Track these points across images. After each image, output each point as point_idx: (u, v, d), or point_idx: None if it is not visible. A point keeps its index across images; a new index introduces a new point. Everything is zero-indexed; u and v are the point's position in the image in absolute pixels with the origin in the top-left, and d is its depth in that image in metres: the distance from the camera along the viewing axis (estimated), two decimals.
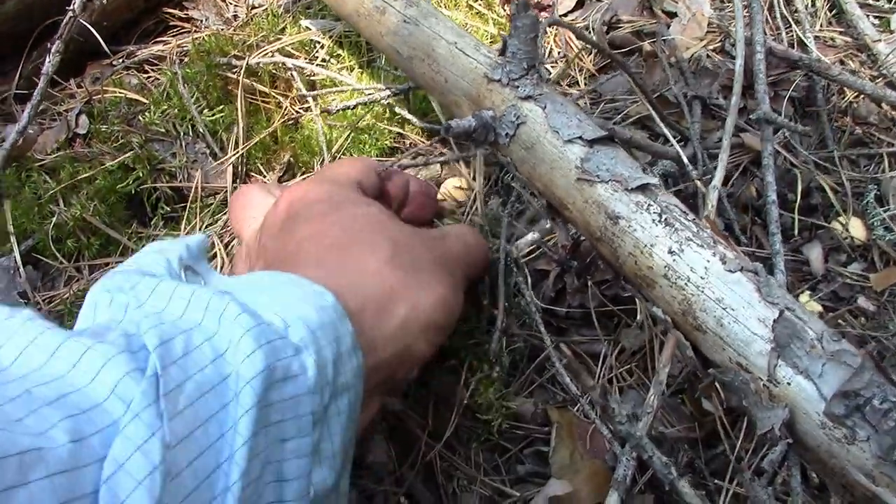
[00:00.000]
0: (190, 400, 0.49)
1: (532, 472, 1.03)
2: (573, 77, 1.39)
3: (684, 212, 0.69)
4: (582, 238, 0.97)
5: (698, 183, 1.00)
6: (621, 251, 0.70)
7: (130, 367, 0.48)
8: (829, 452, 0.58)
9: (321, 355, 0.58)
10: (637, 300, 1.05)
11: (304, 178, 1.25)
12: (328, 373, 0.58)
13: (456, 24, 0.87)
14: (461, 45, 0.82)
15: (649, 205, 0.69)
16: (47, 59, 1.14)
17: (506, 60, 0.77)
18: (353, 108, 1.26)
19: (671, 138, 1.07)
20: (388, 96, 1.25)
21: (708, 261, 0.65)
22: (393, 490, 1.02)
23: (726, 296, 0.63)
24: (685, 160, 1.01)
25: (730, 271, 0.64)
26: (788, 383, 0.60)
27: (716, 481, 0.95)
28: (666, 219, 0.68)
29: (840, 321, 1.11)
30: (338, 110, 1.25)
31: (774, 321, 0.61)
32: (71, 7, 1.12)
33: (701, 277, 0.65)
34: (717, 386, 0.66)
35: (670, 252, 0.66)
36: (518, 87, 0.76)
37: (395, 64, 1.03)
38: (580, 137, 0.72)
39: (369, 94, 1.27)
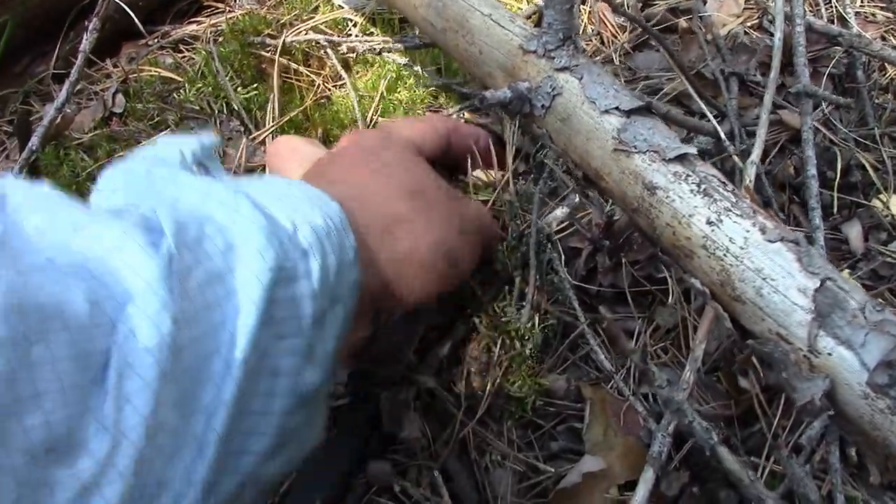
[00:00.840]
0: (198, 284, 0.51)
1: (566, 448, 1.02)
2: (608, 54, 1.38)
3: (723, 182, 0.68)
4: (615, 217, 0.97)
5: (736, 158, 0.99)
6: (659, 222, 0.69)
7: (147, 244, 0.49)
8: (872, 423, 0.57)
9: (325, 261, 0.60)
10: (669, 279, 1.04)
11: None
12: (330, 279, 0.60)
13: None
14: (496, 17, 0.82)
15: (687, 175, 0.68)
16: (84, 38, 1.15)
17: (542, 31, 0.77)
18: (381, 53, 1.29)
19: (708, 114, 1.06)
20: (411, 48, 1.28)
21: (748, 231, 0.64)
22: (427, 464, 1.02)
23: (766, 266, 0.62)
24: (722, 136, 0.99)
25: (769, 241, 0.63)
26: (830, 353, 0.59)
27: (752, 458, 0.94)
28: (704, 189, 0.67)
29: (880, 300, 1.10)
30: (368, 56, 1.28)
31: (815, 291, 0.60)
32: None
33: (740, 247, 0.64)
34: (755, 359, 0.65)
35: (709, 222, 0.66)
36: (554, 57, 0.76)
37: (429, 37, 1.02)
38: (617, 108, 0.72)
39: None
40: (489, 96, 0.74)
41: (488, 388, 1.06)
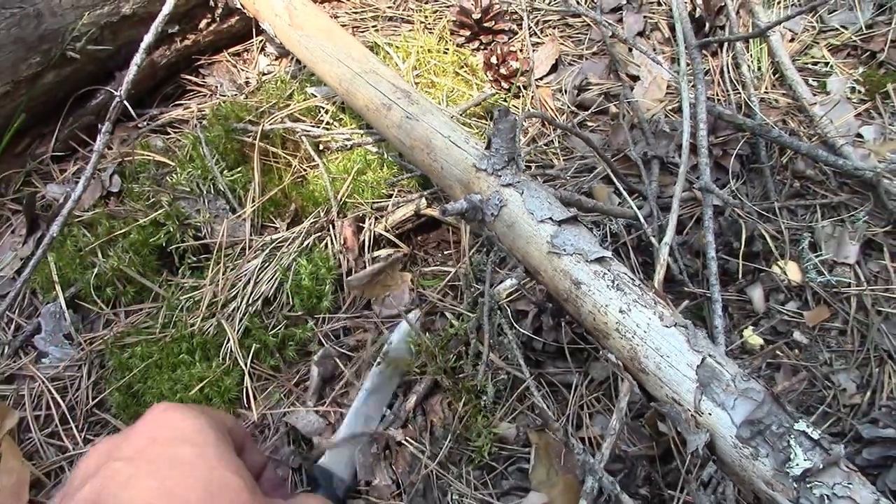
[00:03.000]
0: None
1: (515, 486, 1.21)
2: (549, 136, 1.58)
3: (632, 279, 0.88)
4: None
5: (653, 239, 1.19)
6: (583, 310, 0.88)
7: None
8: (741, 466, 0.76)
9: None
10: None
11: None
12: None
13: (448, 119, 1.05)
14: (454, 139, 1.01)
15: (604, 273, 0.87)
16: (98, 139, 1.30)
17: (490, 154, 0.96)
18: (350, 148, 1.46)
19: (629, 199, 1.26)
20: (380, 140, 1.45)
21: (650, 318, 0.84)
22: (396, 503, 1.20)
23: (663, 346, 0.82)
24: (642, 219, 1.20)
25: (666, 326, 0.83)
26: (710, 413, 0.78)
27: (669, 492, 1.13)
28: (617, 284, 0.86)
29: (777, 353, 1.30)
30: (339, 147, 1.45)
31: (698, 366, 0.79)
32: (118, 92, 1.29)
33: (644, 331, 0.83)
34: (658, 416, 0.84)
35: (621, 311, 0.85)
36: (500, 175, 0.95)
37: (399, 150, 1.20)
38: (550, 219, 0.91)
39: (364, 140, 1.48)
40: (450, 208, 0.93)
41: (449, 437, 1.24)
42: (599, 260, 0.88)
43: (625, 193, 1.25)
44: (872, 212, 1.42)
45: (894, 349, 1.26)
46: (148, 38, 1.29)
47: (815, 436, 0.75)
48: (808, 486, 0.73)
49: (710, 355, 0.80)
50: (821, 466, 0.73)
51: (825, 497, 0.72)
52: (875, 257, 1.38)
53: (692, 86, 1.47)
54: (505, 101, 1.62)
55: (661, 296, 0.86)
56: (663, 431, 1.18)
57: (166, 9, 1.31)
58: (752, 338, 1.32)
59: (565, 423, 1.23)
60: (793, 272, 1.37)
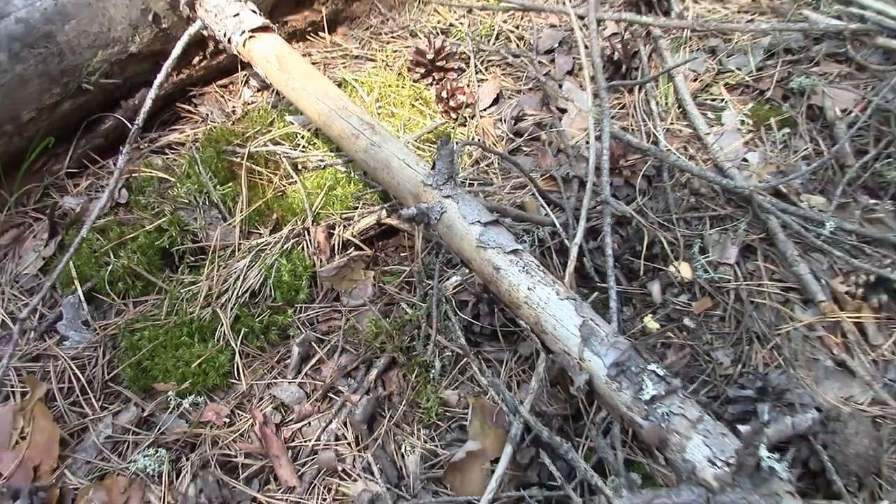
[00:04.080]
0: None
1: (456, 438, 1.50)
2: (490, 158, 1.89)
3: (538, 266, 1.18)
4: None
5: (566, 241, 1.50)
6: (502, 288, 1.19)
7: None
8: (610, 396, 1.07)
9: None
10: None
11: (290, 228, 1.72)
12: None
13: (403, 145, 1.36)
14: (408, 161, 1.31)
15: (518, 261, 1.18)
16: (119, 158, 1.57)
17: (434, 173, 1.26)
18: (323, 168, 1.76)
19: (549, 212, 1.57)
20: (349, 161, 1.75)
21: (549, 293, 1.14)
22: (360, 454, 1.49)
23: (558, 313, 1.12)
24: (557, 225, 1.51)
25: (560, 299, 1.13)
26: (589, 360, 1.09)
27: (577, 439, 1.44)
28: (527, 269, 1.17)
29: (670, 334, 1.62)
30: (313, 167, 1.75)
31: (581, 326, 1.10)
32: (135, 124, 1.57)
33: (545, 303, 1.14)
34: (555, 364, 1.15)
35: (528, 288, 1.15)
36: (442, 189, 1.25)
37: (364, 170, 1.49)
38: (479, 221, 1.22)
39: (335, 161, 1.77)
40: (404, 213, 1.23)
41: (404, 401, 1.54)
42: (514, 251, 1.19)
43: (545, 206, 1.56)
44: (751, 222, 1.74)
45: (761, 331, 1.58)
46: (160, 78, 1.58)
47: (661, 373, 1.06)
48: (654, 407, 1.04)
49: (591, 319, 1.11)
50: (663, 393, 1.04)
51: (666, 413, 1.03)
52: (751, 259, 1.70)
53: (599, 119, 1.78)
54: (453, 129, 1.93)
55: (557, 278, 1.17)
56: (574, 394, 1.48)
57: (175, 52, 1.60)
58: (651, 323, 1.63)
59: (498, 391, 1.53)
60: (685, 271, 1.69)
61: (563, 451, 1.24)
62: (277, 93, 1.97)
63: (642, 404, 1.04)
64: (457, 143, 1.30)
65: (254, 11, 1.58)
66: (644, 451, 1.37)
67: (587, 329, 1.10)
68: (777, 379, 1.45)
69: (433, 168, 1.28)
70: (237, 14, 1.55)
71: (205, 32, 1.65)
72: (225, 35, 1.57)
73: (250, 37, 1.54)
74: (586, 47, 2.02)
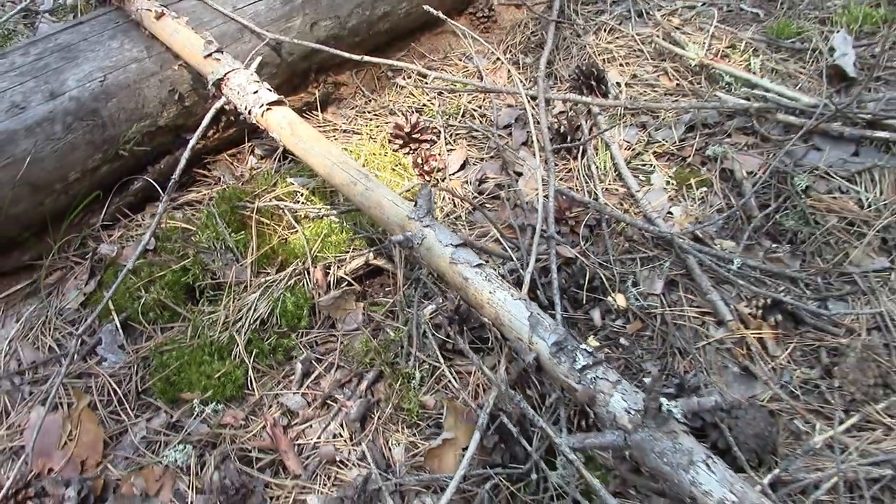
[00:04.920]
0: None
1: (433, 432, 1.83)
2: (458, 213, 2.27)
3: (498, 276, 1.55)
4: (460, 306, 1.82)
5: (521, 271, 1.86)
6: (470, 293, 1.55)
7: None
8: (552, 369, 1.42)
9: None
10: (491, 336, 1.89)
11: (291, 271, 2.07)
12: None
13: (391, 190, 1.73)
14: (395, 201, 1.68)
15: (481, 272, 1.54)
16: (160, 206, 1.92)
17: (416, 209, 1.63)
18: (322, 217, 2.11)
19: (509, 250, 1.94)
20: (341, 213, 2.11)
21: (506, 296, 1.50)
22: (354, 447, 1.81)
23: (512, 310, 1.48)
24: (515, 260, 1.87)
25: (515, 300, 1.49)
26: (536, 343, 1.44)
27: (532, 429, 1.77)
28: (489, 278, 1.53)
29: (608, 350, 1.97)
30: (314, 217, 2.10)
31: (529, 317, 1.46)
32: (164, 195, 1.93)
33: (502, 302, 1.49)
34: (513, 351, 1.50)
35: (490, 292, 1.51)
36: (422, 221, 1.62)
37: (361, 209, 1.85)
38: (451, 244, 1.58)
39: (330, 213, 2.13)
40: (394, 239, 1.59)
41: (390, 405, 1.87)
42: (479, 265, 1.55)
43: (506, 245, 1.93)
44: (673, 261, 2.12)
45: (682, 346, 1.94)
46: (195, 137, 1.96)
47: (590, 350, 1.42)
48: (585, 374, 1.39)
49: (537, 313, 1.47)
50: (591, 364, 1.39)
51: (593, 378, 1.38)
52: (674, 290, 2.07)
53: (545, 183, 2.17)
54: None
55: (513, 286, 1.53)
56: (530, 395, 1.83)
57: (206, 121, 1.98)
58: (593, 342, 1.98)
59: (467, 395, 1.87)
60: (620, 300, 2.05)
61: (531, 416, 1.58)
62: (279, 159, 2.35)
63: (576, 372, 1.40)
64: (433, 188, 1.67)
65: (269, 90, 1.96)
66: (586, 425, 1.71)
67: (534, 319, 1.46)
68: (692, 380, 1.81)
69: (416, 205, 1.65)
70: (256, 91, 1.94)
71: (227, 107, 2.02)
72: (246, 108, 1.95)
73: (267, 109, 1.91)
74: (537, 122, 2.42)
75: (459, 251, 1.58)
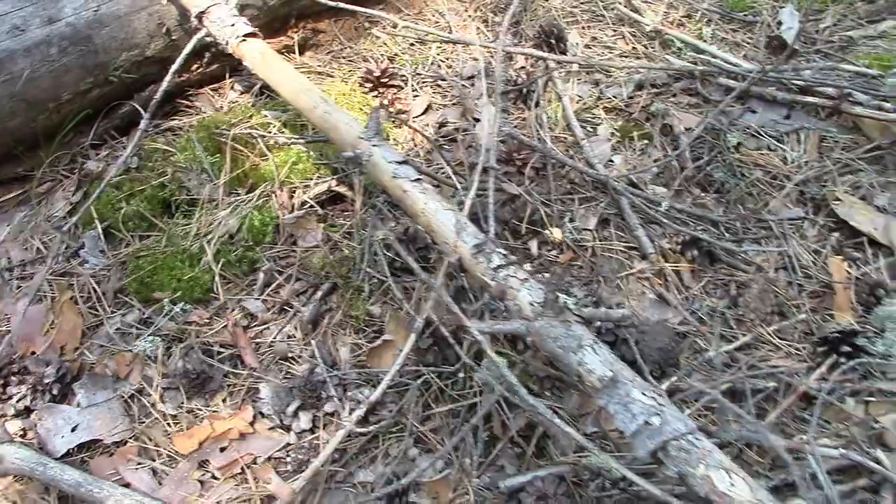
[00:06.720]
0: None
1: (377, 336, 2.04)
2: (417, 151, 2.47)
3: (434, 188, 1.76)
4: (410, 228, 2.04)
5: (463, 198, 2.07)
6: (407, 203, 1.76)
7: None
8: (472, 267, 1.64)
9: None
10: (433, 255, 2.11)
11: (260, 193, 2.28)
12: None
13: (347, 114, 1.94)
14: (350, 123, 1.89)
15: (419, 186, 1.75)
16: (134, 139, 2.13)
17: (367, 129, 1.84)
18: (290, 145, 2.32)
19: (454, 177, 2.15)
20: (308, 143, 2.32)
21: (438, 206, 1.71)
22: (305, 347, 2.03)
23: (442, 218, 1.69)
24: (458, 187, 2.09)
25: (444, 210, 1.70)
26: (459, 245, 1.66)
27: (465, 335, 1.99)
28: (424, 191, 1.74)
29: (545, 275, 2.18)
30: (283, 144, 2.31)
31: (455, 224, 1.67)
32: (146, 114, 2.13)
33: (434, 211, 1.71)
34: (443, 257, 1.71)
35: (425, 203, 1.72)
36: (371, 140, 1.83)
37: (320, 130, 2.06)
38: (395, 161, 1.79)
39: (297, 141, 2.34)
40: (344, 155, 1.80)
41: (340, 311, 2.08)
42: (416, 180, 1.76)
43: (455, 179, 2.14)
44: (609, 202, 2.33)
45: (605, 276, 2.16)
46: (174, 66, 2.16)
47: (504, 253, 1.63)
48: (498, 272, 1.60)
49: (463, 221, 1.68)
50: (505, 263, 1.61)
51: (505, 276, 1.60)
52: (606, 227, 2.29)
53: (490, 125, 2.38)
54: (390, 128, 2.52)
55: (449, 201, 1.74)
56: (465, 308, 2.04)
57: (186, 50, 2.18)
58: (528, 268, 2.20)
59: (409, 306, 2.09)
60: (556, 234, 2.26)
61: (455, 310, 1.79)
62: (256, 94, 2.56)
63: (491, 271, 1.61)
64: (382, 112, 1.89)
65: (246, 23, 2.17)
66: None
67: (459, 226, 1.67)
68: (610, 299, 2.03)
69: (366, 127, 1.86)
70: (233, 24, 2.14)
71: (208, 39, 2.23)
72: (224, 40, 2.15)
73: (242, 40, 2.12)
74: (492, 72, 2.63)
75: (401, 168, 1.79)
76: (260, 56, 2.08)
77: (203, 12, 2.19)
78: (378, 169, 1.81)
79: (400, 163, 1.79)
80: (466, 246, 1.65)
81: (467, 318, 1.62)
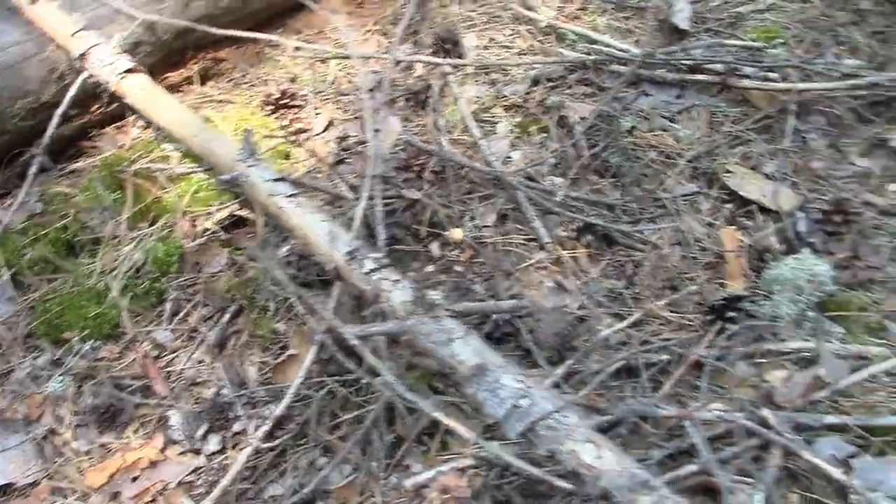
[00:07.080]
0: None
1: (282, 352, 2.08)
2: (320, 168, 2.51)
3: (308, 202, 1.80)
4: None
5: (356, 209, 2.12)
6: (283, 220, 1.80)
7: None
8: (348, 274, 1.68)
9: None
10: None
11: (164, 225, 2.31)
12: None
13: (224, 138, 1.98)
14: (228, 148, 1.94)
15: (294, 201, 1.80)
16: (26, 183, 2.17)
17: (242, 152, 1.88)
18: (190, 174, 2.36)
19: (351, 195, 2.20)
20: (206, 170, 2.36)
21: (313, 215, 1.76)
22: (213, 371, 2.06)
23: (316, 227, 1.74)
24: (349, 195, 2.13)
25: (321, 221, 1.75)
26: (334, 253, 1.70)
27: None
28: (299, 205, 1.79)
29: (443, 276, 2.22)
30: (182, 174, 2.35)
31: (328, 234, 1.71)
32: (35, 159, 2.16)
33: (311, 224, 1.75)
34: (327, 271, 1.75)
35: (300, 217, 1.77)
36: (247, 162, 1.87)
37: (202, 158, 2.10)
38: (271, 179, 1.83)
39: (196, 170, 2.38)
40: (223, 178, 1.85)
41: (246, 332, 2.12)
42: (292, 195, 1.81)
43: (350, 193, 2.19)
44: (507, 198, 2.38)
45: (505, 270, 2.20)
46: (59, 111, 2.19)
47: (377, 257, 1.67)
48: (371, 276, 1.65)
49: (337, 231, 1.73)
50: (377, 267, 1.65)
51: (379, 279, 1.64)
52: (506, 223, 2.33)
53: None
54: (290, 148, 2.57)
55: (325, 213, 1.78)
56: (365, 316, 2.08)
57: (70, 93, 2.22)
58: (430, 269, 2.24)
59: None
60: (457, 234, 2.30)
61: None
62: (157, 128, 2.60)
63: (364, 275, 1.66)
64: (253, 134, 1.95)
65: (128, 60, 2.21)
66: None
67: (332, 235, 1.72)
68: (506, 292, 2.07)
69: (242, 149, 1.90)
70: (113, 63, 2.18)
71: (91, 80, 2.27)
72: (104, 79, 2.19)
73: (123, 77, 2.16)
74: (400, 84, 2.68)
75: (277, 185, 1.84)
76: (141, 91, 2.12)
77: (83, 54, 2.23)
78: (256, 189, 1.86)
79: (276, 180, 1.84)
80: (340, 253, 1.70)
81: (342, 324, 1.66)
